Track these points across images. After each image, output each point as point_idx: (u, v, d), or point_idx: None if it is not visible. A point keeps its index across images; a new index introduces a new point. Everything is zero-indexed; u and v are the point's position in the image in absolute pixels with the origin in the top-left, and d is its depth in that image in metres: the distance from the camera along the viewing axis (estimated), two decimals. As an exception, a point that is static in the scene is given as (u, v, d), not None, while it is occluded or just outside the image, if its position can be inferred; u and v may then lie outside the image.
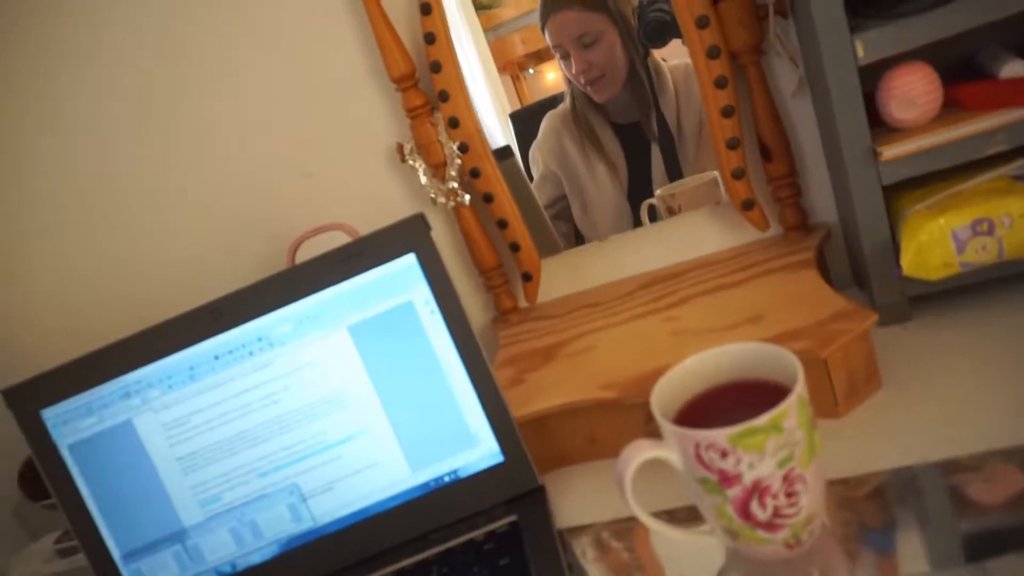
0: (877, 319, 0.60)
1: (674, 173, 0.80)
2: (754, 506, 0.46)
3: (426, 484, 0.65)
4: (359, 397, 0.64)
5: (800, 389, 0.45)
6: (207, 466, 0.64)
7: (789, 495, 0.46)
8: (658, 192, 0.82)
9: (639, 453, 0.48)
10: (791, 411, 0.44)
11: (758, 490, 0.45)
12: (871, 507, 0.52)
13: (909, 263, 0.65)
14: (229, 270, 0.87)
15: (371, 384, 0.64)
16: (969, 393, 0.58)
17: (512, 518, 0.62)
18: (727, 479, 0.45)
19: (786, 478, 0.45)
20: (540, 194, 0.84)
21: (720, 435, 0.44)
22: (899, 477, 0.53)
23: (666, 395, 0.50)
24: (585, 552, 0.58)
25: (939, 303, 0.69)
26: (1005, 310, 0.66)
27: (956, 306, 0.69)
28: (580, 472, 0.67)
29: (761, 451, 0.44)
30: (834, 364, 0.59)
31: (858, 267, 0.75)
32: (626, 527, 0.58)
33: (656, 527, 0.51)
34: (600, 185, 0.83)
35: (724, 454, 0.45)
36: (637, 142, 0.81)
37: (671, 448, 0.48)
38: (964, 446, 0.53)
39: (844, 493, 0.53)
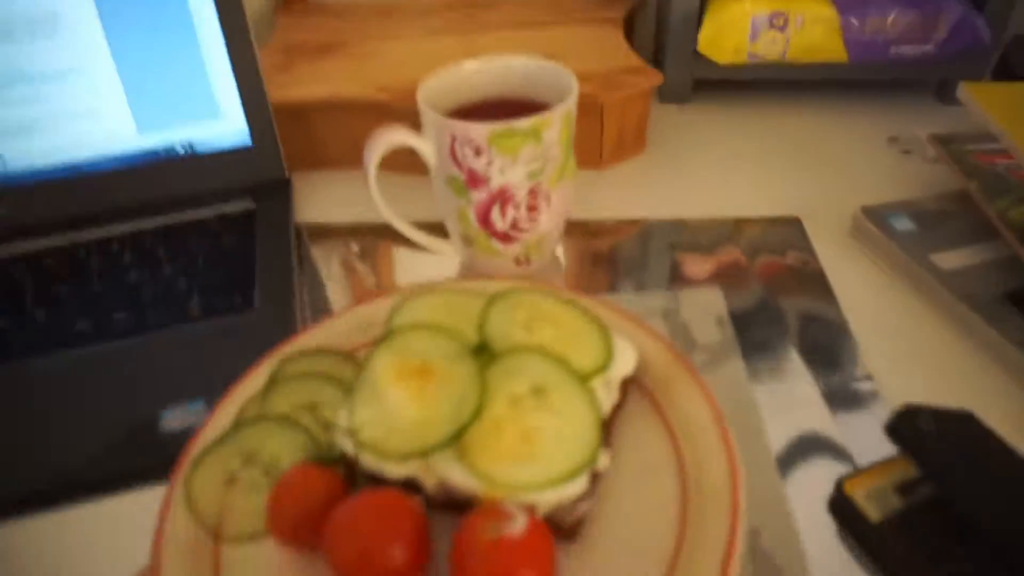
0: (663, 80, 0.60)
1: None
2: (495, 214, 0.46)
3: (154, 151, 0.57)
4: (77, 26, 0.52)
5: (570, 104, 0.44)
6: None
7: (531, 209, 0.46)
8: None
9: (392, 135, 0.44)
10: (554, 122, 0.43)
11: (502, 197, 0.45)
12: (604, 248, 0.54)
13: (706, 39, 0.66)
14: None
15: (96, 14, 0.52)
16: (719, 172, 0.62)
17: (249, 205, 0.57)
18: (475, 180, 0.44)
19: (532, 191, 0.45)
20: None
21: (479, 130, 0.42)
22: (637, 227, 0.56)
23: (434, 92, 0.47)
24: (325, 255, 0.55)
25: (717, 93, 0.72)
26: (769, 111, 0.70)
27: (730, 100, 0.72)
28: (334, 178, 0.63)
29: (515, 156, 0.43)
30: (610, 114, 0.59)
31: (660, 43, 0.75)
32: (368, 232, 0.56)
33: (396, 222, 0.49)
34: None
35: (478, 152, 0.43)
36: None
37: (427, 140, 0.45)
38: (701, 211, 0.57)
39: (583, 232, 0.56)
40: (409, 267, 0.54)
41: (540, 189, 0.45)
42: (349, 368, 0.36)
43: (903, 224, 0.53)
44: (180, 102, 0.56)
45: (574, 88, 0.45)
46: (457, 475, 0.28)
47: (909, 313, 0.48)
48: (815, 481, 0.38)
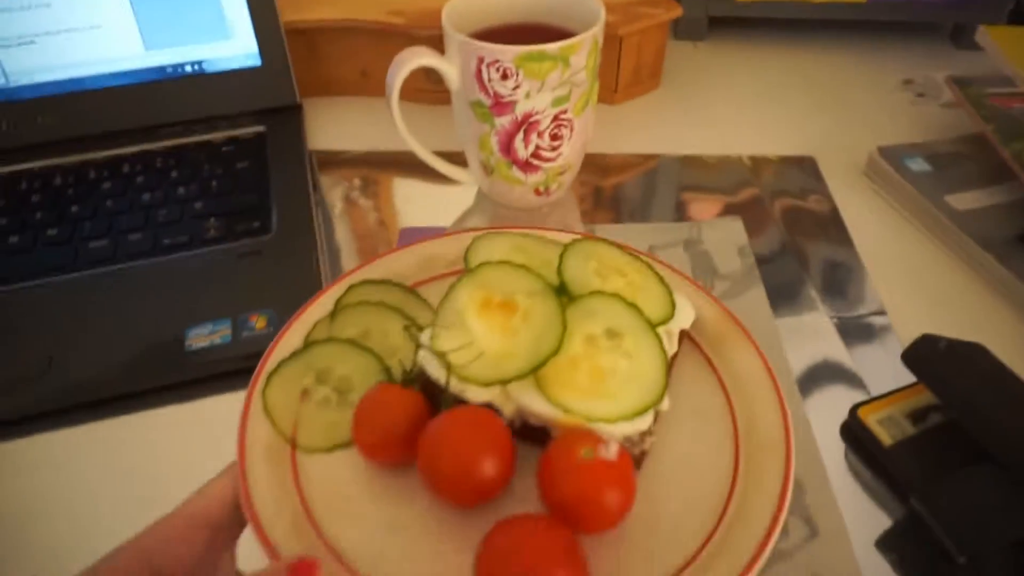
0: (681, 12, 0.60)
1: None
2: (518, 141, 0.45)
3: (162, 69, 0.55)
4: (81, -66, 0.50)
5: (598, 30, 0.43)
6: None
7: (554, 137, 0.46)
8: None
9: (416, 57, 0.44)
10: (584, 47, 0.42)
11: (527, 124, 0.44)
12: (616, 183, 0.54)
13: (725, -27, 0.64)
14: None
15: (100, -78, 0.50)
16: (733, 110, 0.62)
17: (260, 128, 0.56)
18: (500, 105, 0.44)
19: (556, 119, 0.45)
20: None
21: (507, 52, 0.41)
22: (651, 163, 0.56)
23: (458, 14, 0.45)
24: (329, 187, 0.54)
25: (732, 32, 0.71)
26: (783, 51, 0.70)
27: (744, 38, 0.71)
28: (346, 104, 0.62)
29: (543, 80, 0.42)
30: (628, 47, 0.58)
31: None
32: (376, 161, 0.56)
33: (417, 148, 0.48)
34: None
35: (505, 75, 0.42)
36: None
37: (452, 62, 0.44)
38: (714, 149, 0.57)
39: (596, 166, 0.55)
40: (411, 204, 0.53)
41: (564, 117, 0.45)
42: (413, 301, 0.37)
43: (918, 165, 0.53)
44: (189, 20, 0.54)
45: (602, 14, 0.44)
46: (537, 403, 0.29)
47: (922, 252, 0.49)
48: (831, 406, 0.39)
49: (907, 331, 0.43)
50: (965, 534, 0.32)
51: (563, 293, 0.33)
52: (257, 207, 0.49)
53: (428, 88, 0.58)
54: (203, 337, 0.40)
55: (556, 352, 0.30)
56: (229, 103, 0.57)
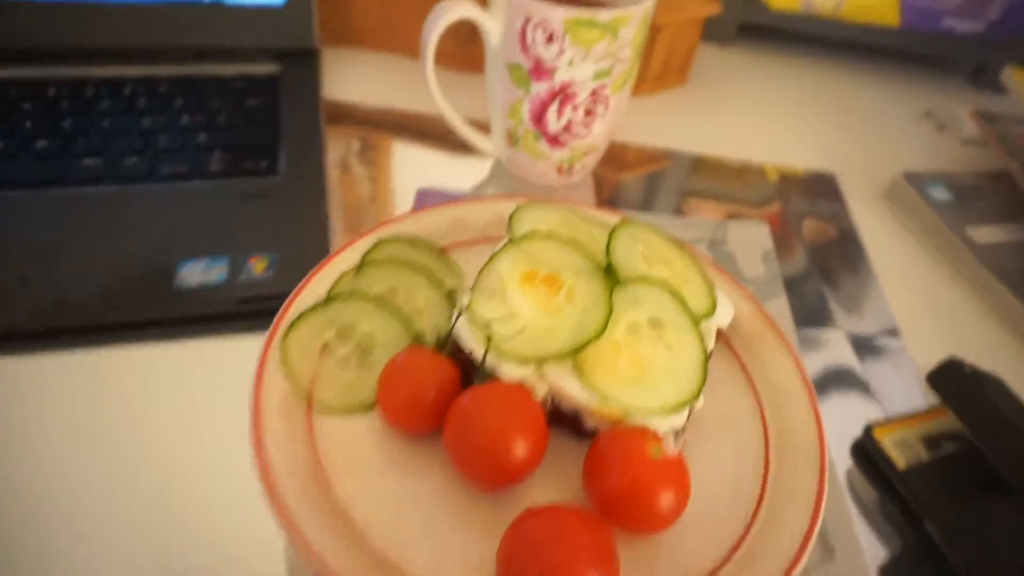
0: (719, 9, 0.58)
1: None
2: (551, 112, 0.43)
3: (177, -8, 0.52)
4: None
5: (650, 6, 0.42)
6: None
7: (588, 113, 0.44)
8: None
9: (457, 7, 0.41)
10: (634, 20, 0.41)
11: (564, 94, 0.42)
12: (635, 175, 0.53)
13: (766, -22, 0.63)
14: None
15: None
16: (755, 117, 0.61)
17: (274, 68, 0.53)
18: (540, 70, 0.41)
19: (594, 93, 0.43)
20: None
21: (557, 13, 0.39)
22: (669, 160, 0.55)
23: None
24: (331, 144, 0.52)
25: (759, 40, 0.70)
26: (808, 65, 0.69)
27: (770, 48, 0.70)
28: (366, 57, 0.59)
29: (588, 49, 0.40)
30: (663, 38, 0.57)
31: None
32: (390, 122, 0.53)
33: (444, 106, 0.46)
34: None
35: (551, 38, 0.40)
36: None
37: (495, 17, 0.42)
38: (736, 153, 0.56)
39: (615, 155, 0.54)
40: (418, 171, 0.50)
41: (602, 93, 0.43)
42: (443, 264, 0.35)
43: (940, 194, 0.52)
44: (213, -57, 0.51)
45: (655, -9, 0.42)
46: (573, 387, 0.27)
47: (939, 279, 0.48)
48: (832, 420, 0.38)
49: (920, 355, 0.42)
50: (981, 565, 0.31)
51: (609, 274, 0.31)
52: (266, 147, 0.46)
53: (454, 51, 0.55)
54: (196, 274, 0.37)
55: (600, 335, 0.28)
56: (245, 38, 0.54)
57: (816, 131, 0.61)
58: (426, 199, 0.45)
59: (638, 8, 0.40)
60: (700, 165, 0.54)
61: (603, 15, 0.39)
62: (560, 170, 0.47)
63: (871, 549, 0.34)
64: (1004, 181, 0.53)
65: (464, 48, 0.47)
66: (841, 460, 0.37)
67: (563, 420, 0.29)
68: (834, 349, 0.42)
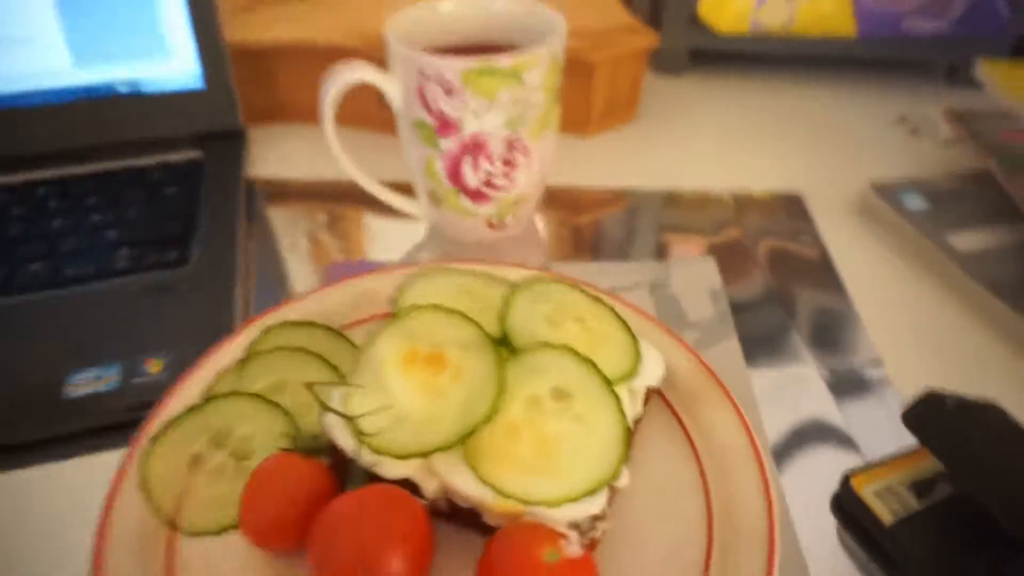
0: (658, 41, 0.56)
1: None
2: (466, 167, 0.41)
3: (93, 88, 0.51)
4: (5, -58, 0.46)
5: (556, 45, 0.39)
6: None
7: (507, 163, 0.41)
8: None
9: (352, 71, 0.39)
10: (538, 63, 0.38)
11: (475, 147, 0.40)
12: (587, 219, 0.49)
13: (708, 2, 0.61)
14: None
15: (26, -71, 0.46)
16: (714, 146, 0.58)
17: (197, 154, 0.52)
18: (446, 125, 0.39)
19: (509, 143, 0.40)
20: None
21: (452, 66, 0.37)
22: (624, 200, 0.51)
23: (404, 29, 0.41)
24: (288, 222, 0.50)
25: (714, 67, 0.67)
26: (769, 86, 0.66)
27: (727, 73, 0.67)
28: (298, 132, 0.58)
29: (492, 99, 0.38)
30: (600, 75, 0.54)
31: (656, 7, 0.70)
32: (332, 193, 0.51)
33: (356, 174, 0.44)
34: None
35: (450, 91, 0.37)
36: None
37: (393, 78, 0.40)
38: (691, 184, 0.53)
39: (565, 200, 0.51)
40: (383, 240, 0.48)
41: (518, 141, 0.40)
42: (341, 347, 0.31)
43: (915, 203, 0.48)
44: (123, 34, 0.50)
45: (561, 28, 0.40)
46: (463, 481, 0.24)
47: (922, 297, 0.44)
48: (816, 475, 0.33)
49: (907, 386, 0.38)
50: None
51: (506, 344, 0.28)
52: (177, 237, 0.44)
53: (376, 113, 0.53)
54: (86, 383, 0.34)
55: (489, 417, 0.24)
56: (166, 126, 0.52)
57: (781, 151, 0.57)
58: (336, 273, 0.42)
59: (541, 50, 0.37)
60: (660, 201, 0.51)
61: (502, 61, 0.37)
62: (491, 225, 0.44)
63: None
64: (985, 181, 0.49)
65: (387, 110, 0.44)
66: (829, 519, 0.32)
67: (463, 517, 0.25)
68: (807, 391, 0.38)
